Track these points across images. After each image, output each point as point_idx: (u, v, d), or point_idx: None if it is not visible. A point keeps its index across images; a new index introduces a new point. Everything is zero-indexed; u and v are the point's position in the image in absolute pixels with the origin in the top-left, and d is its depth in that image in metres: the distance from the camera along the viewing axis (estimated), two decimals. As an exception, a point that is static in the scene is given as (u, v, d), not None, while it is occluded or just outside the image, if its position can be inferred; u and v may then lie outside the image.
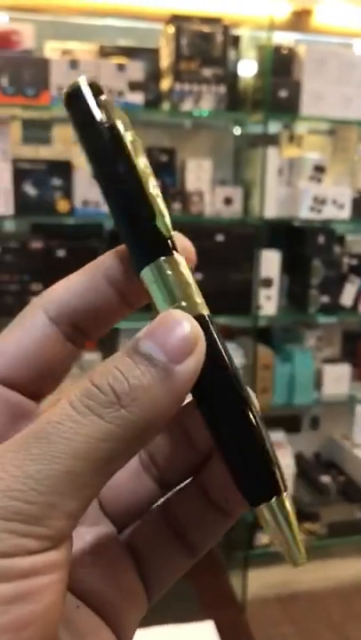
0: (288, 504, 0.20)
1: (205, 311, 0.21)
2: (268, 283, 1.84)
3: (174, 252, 0.21)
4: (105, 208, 1.69)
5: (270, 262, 1.84)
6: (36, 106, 1.65)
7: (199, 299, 0.21)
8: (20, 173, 1.67)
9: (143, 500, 0.24)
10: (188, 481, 0.23)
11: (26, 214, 1.71)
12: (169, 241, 0.21)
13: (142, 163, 0.22)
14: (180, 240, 0.22)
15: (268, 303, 1.86)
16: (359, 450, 2.17)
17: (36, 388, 0.22)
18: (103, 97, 0.22)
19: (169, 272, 0.21)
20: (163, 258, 0.21)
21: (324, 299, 1.89)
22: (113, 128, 0.21)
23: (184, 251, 0.22)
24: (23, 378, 0.22)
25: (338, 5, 1.90)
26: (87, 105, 0.21)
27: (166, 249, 0.21)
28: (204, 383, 0.20)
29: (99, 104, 0.21)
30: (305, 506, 2.13)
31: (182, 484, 0.23)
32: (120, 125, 0.21)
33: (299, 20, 1.92)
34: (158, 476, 0.24)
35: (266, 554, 2.08)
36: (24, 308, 0.22)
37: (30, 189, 1.68)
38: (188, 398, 0.21)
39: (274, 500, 0.20)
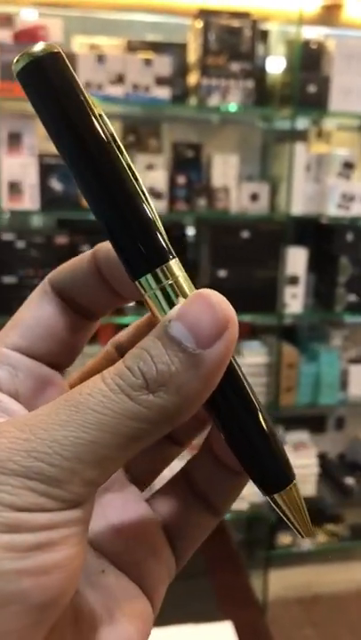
0: (296, 490, 0.22)
1: None
2: (294, 280, 1.82)
3: (170, 257, 0.20)
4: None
5: (297, 260, 1.82)
6: (63, 101, 1.65)
7: None
8: (46, 168, 1.67)
9: (161, 458, 0.25)
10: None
11: (51, 209, 1.71)
12: (164, 246, 0.20)
13: (128, 160, 0.20)
14: None
15: (294, 301, 1.84)
16: (385, 452, 2.14)
17: (56, 359, 0.23)
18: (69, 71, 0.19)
19: (169, 281, 0.20)
20: (160, 267, 0.20)
21: (352, 297, 1.86)
22: (100, 118, 0.20)
23: None
24: (41, 348, 0.23)
25: (369, -1, 1.86)
26: (61, 83, 0.19)
27: (162, 255, 0.20)
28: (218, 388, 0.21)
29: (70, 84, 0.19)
30: (328, 507, 2.11)
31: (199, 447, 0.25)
32: (103, 115, 0.20)
33: (329, 15, 1.89)
34: (176, 435, 0.25)
35: (288, 554, 2.06)
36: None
37: (56, 184, 1.68)
38: None
39: (286, 489, 0.22)
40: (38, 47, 0.19)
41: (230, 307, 0.19)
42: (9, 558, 0.17)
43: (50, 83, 0.19)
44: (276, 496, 0.22)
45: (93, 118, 0.19)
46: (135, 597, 0.22)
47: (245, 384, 0.21)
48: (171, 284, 0.20)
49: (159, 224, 0.20)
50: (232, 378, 0.20)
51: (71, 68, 0.19)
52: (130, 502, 0.24)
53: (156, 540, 0.23)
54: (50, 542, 0.18)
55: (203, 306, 0.19)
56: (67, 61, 0.19)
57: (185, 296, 0.20)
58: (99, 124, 0.19)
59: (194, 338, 0.18)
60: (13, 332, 0.23)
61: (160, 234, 0.20)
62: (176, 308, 0.19)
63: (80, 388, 0.19)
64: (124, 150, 0.20)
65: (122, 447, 0.18)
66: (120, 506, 0.24)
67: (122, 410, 0.18)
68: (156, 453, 0.25)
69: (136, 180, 0.20)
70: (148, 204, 0.20)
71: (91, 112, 0.19)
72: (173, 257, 0.20)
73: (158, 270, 0.20)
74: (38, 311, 0.23)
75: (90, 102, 0.20)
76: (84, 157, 0.19)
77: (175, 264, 0.20)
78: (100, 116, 0.20)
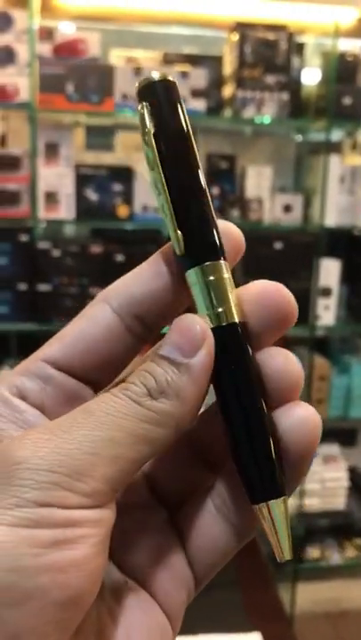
0: (284, 508, 0.22)
1: (239, 319, 0.22)
2: (326, 292, 1.81)
3: (222, 259, 0.23)
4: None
5: (330, 271, 1.81)
6: (100, 112, 1.68)
7: (235, 306, 0.22)
8: (83, 179, 1.70)
9: (193, 481, 0.25)
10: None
11: (86, 219, 1.74)
12: (217, 247, 0.23)
13: (202, 171, 0.23)
14: (228, 227, 0.23)
15: (327, 313, 1.83)
16: None
17: (94, 377, 0.24)
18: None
19: (211, 277, 0.22)
20: (207, 263, 0.22)
21: (385, 310, 1.85)
22: (188, 136, 0.23)
23: (230, 237, 0.23)
24: (81, 365, 0.23)
25: None
26: (171, 108, 0.23)
27: (213, 254, 0.22)
28: (224, 385, 0.22)
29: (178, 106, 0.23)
30: (358, 521, 2.08)
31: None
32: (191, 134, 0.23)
33: (365, 27, 1.89)
34: (210, 459, 0.25)
35: (316, 568, 2.04)
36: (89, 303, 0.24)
37: (92, 195, 1.71)
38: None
39: (272, 501, 0.22)
40: (155, 74, 0.23)
41: (205, 322, 0.22)
42: (30, 554, 0.18)
43: (157, 101, 0.23)
44: (262, 506, 0.22)
45: (183, 131, 0.23)
46: (155, 613, 0.23)
47: (252, 386, 0.22)
48: (212, 280, 0.22)
49: (215, 229, 0.23)
50: (239, 377, 0.22)
51: (177, 94, 0.23)
52: (150, 521, 0.24)
53: (174, 560, 0.23)
54: (68, 540, 0.18)
55: (183, 325, 0.22)
56: (176, 88, 0.23)
57: (223, 293, 0.22)
58: (187, 137, 0.23)
59: (180, 352, 0.21)
60: (55, 344, 0.23)
61: (217, 237, 0.23)
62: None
63: (91, 400, 0.21)
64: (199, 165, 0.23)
65: (135, 447, 0.20)
66: (140, 524, 0.24)
67: (133, 412, 0.20)
68: (187, 475, 0.25)
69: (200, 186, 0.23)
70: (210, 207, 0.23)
71: (181, 126, 0.23)
72: (225, 259, 0.23)
73: (205, 265, 0.22)
74: (83, 327, 0.23)
75: (185, 120, 0.23)
76: (163, 161, 0.23)
77: (223, 264, 0.22)
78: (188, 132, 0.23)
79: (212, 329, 0.22)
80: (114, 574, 0.23)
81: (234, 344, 0.22)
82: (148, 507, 0.24)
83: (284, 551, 0.22)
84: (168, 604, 0.23)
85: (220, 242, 0.23)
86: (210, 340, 0.21)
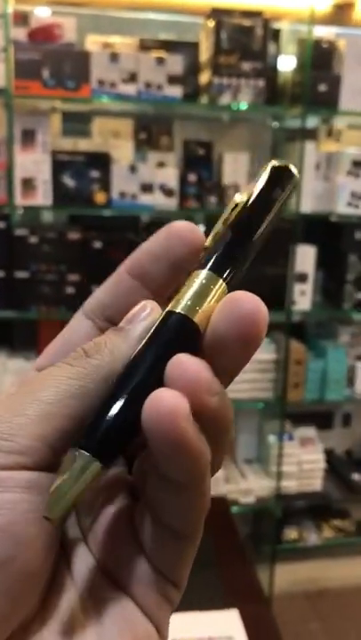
0: (84, 469, 0.20)
1: (193, 317, 0.23)
2: (302, 278, 1.84)
3: (223, 280, 0.25)
4: (140, 200, 1.71)
5: (306, 257, 1.83)
6: (77, 98, 1.67)
7: (200, 308, 0.23)
8: (59, 165, 1.69)
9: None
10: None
11: (64, 205, 1.74)
12: (224, 269, 0.25)
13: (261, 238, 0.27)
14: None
15: (303, 298, 1.85)
16: (392, 448, 2.15)
17: None
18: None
19: (203, 281, 0.24)
20: (205, 271, 0.24)
21: (360, 295, 1.88)
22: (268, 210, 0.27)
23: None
24: None
25: (381, -2, 1.87)
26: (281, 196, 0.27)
27: (217, 270, 0.25)
28: (138, 352, 0.23)
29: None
30: (335, 502, 2.12)
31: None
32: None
33: (340, 14, 1.90)
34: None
35: (294, 549, 2.08)
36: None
37: (69, 181, 1.71)
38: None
39: (77, 451, 0.20)
40: (277, 162, 0.28)
41: (157, 306, 0.24)
42: None
43: (271, 184, 0.28)
44: (77, 451, 0.20)
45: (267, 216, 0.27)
46: (134, 616, 0.22)
47: (151, 362, 0.22)
48: (198, 282, 0.24)
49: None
50: (151, 351, 0.23)
51: (283, 180, 0.28)
52: (116, 533, 0.24)
53: (139, 567, 0.23)
54: None
55: (137, 306, 0.24)
56: (289, 180, 0.28)
57: (198, 295, 0.23)
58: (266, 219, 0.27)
59: (126, 322, 0.24)
60: (45, 353, 0.26)
61: (232, 268, 0.25)
62: None
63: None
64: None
65: (64, 402, 0.21)
66: (107, 537, 0.24)
67: (62, 372, 0.22)
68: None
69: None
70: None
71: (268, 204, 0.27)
72: (226, 283, 0.25)
73: (201, 270, 0.24)
74: (66, 333, 0.26)
75: (276, 202, 0.27)
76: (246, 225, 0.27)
77: (221, 285, 0.24)
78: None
79: (166, 311, 0.23)
80: (94, 574, 0.23)
81: (171, 328, 0.23)
82: (116, 513, 0.24)
83: (50, 508, 0.20)
84: (148, 612, 0.23)
85: (231, 271, 0.25)
86: (154, 315, 0.24)
